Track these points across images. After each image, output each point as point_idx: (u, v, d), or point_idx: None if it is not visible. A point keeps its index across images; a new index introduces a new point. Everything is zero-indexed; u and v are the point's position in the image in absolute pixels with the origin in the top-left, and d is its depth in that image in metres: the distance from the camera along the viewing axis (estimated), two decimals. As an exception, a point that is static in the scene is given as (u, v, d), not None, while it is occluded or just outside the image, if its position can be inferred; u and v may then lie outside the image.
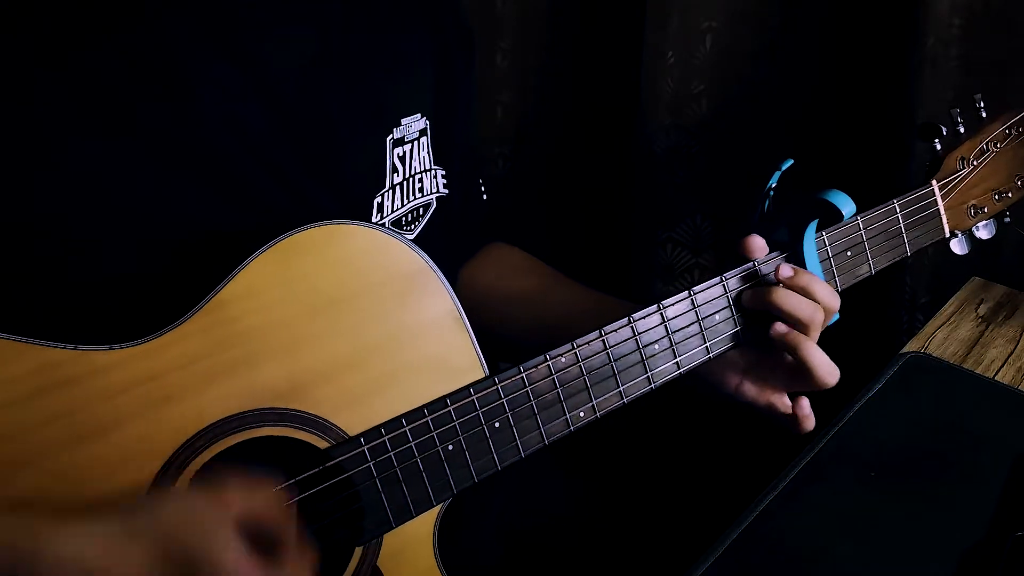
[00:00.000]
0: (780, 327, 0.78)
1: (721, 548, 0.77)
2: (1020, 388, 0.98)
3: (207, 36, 0.68)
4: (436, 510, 0.71)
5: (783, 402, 0.82)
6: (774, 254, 0.80)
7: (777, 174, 0.79)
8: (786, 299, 0.77)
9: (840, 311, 0.83)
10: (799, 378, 0.79)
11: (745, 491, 0.84)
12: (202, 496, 0.59)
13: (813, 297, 0.78)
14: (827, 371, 0.78)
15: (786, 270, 0.78)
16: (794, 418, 0.81)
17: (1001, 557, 0.75)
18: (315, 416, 0.67)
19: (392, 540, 0.69)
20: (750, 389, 0.83)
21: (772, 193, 0.80)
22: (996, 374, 1.01)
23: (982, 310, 1.13)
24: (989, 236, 0.93)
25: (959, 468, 0.85)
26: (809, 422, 0.81)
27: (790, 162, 0.79)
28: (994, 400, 0.96)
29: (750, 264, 0.79)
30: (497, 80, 1.44)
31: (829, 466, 0.86)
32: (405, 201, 0.81)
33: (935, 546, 0.77)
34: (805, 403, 0.81)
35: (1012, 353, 1.04)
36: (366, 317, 0.68)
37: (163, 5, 0.67)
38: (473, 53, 0.92)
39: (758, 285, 0.80)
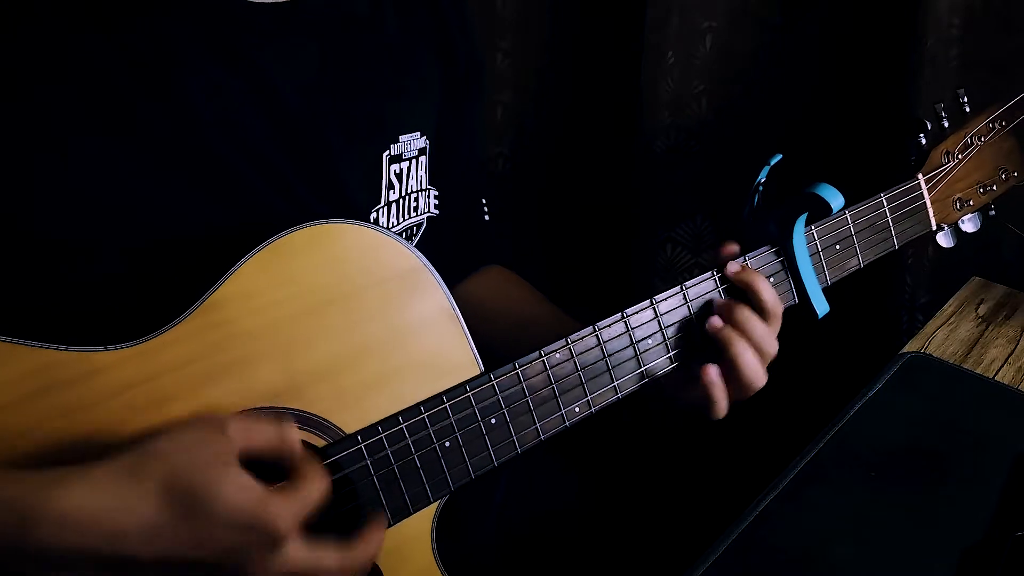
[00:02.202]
0: (716, 321, 0.77)
1: (721, 548, 0.77)
2: (1020, 388, 0.98)
3: (205, 39, 0.69)
4: (434, 507, 0.71)
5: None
6: (763, 248, 0.81)
7: (766, 169, 0.79)
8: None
9: (841, 311, 0.83)
10: (729, 378, 0.78)
11: (745, 491, 0.84)
12: (201, 431, 0.59)
13: (757, 294, 0.77)
14: (753, 372, 0.76)
15: (733, 266, 0.78)
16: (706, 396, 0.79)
17: (1001, 557, 0.75)
18: (312, 415, 0.67)
19: (390, 538, 0.69)
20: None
21: (761, 188, 0.80)
22: (996, 374, 1.01)
23: (982, 310, 1.13)
24: (975, 229, 0.94)
25: (959, 468, 0.85)
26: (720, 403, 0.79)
27: (779, 157, 0.79)
28: (994, 400, 0.96)
29: (741, 259, 0.80)
30: (497, 80, 1.44)
31: (829, 466, 0.86)
32: (401, 219, 0.82)
33: (935, 546, 0.77)
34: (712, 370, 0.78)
35: (1012, 353, 1.04)
36: (361, 316, 0.68)
37: (162, 6, 0.67)
38: (482, 87, 0.93)
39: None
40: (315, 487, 0.61)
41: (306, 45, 0.74)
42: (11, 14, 0.62)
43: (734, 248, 0.79)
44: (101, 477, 0.56)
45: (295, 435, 0.62)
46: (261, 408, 0.65)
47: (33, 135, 0.63)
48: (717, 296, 0.79)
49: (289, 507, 0.59)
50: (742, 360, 0.75)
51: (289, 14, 0.73)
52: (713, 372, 0.76)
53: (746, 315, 0.76)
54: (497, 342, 0.80)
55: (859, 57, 1.24)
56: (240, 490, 0.57)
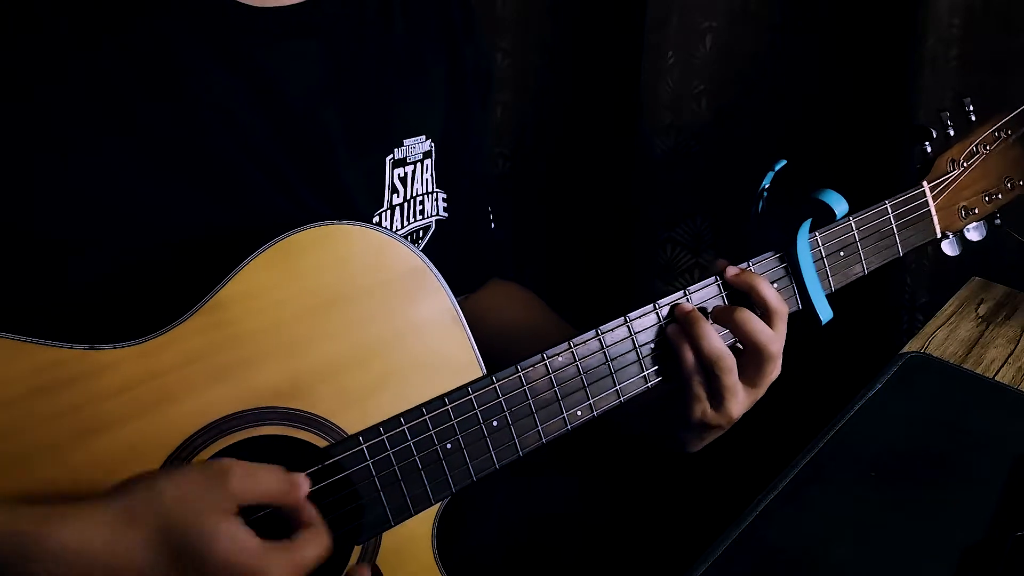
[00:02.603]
0: (685, 305, 0.77)
1: (721, 548, 0.77)
2: (1020, 388, 0.98)
3: (207, 40, 0.69)
4: (435, 509, 0.71)
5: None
6: (768, 254, 0.81)
7: (770, 174, 0.79)
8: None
9: (840, 311, 0.83)
10: (748, 358, 0.77)
11: (745, 491, 0.84)
12: (201, 478, 0.58)
13: (758, 294, 0.77)
14: (718, 352, 0.75)
15: (732, 270, 0.79)
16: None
17: (1001, 557, 0.75)
18: (314, 415, 0.67)
19: (391, 539, 0.70)
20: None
21: (766, 194, 0.80)
22: (996, 374, 1.01)
23: (982, 310, 1.13)
24: (980, 238, 0.94)
25: (959, 468, 0.85)
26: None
27: (783, 162, 0.79)
28: (994, 400, 0.96)
29: (744, 264, 0.80)
30: (497, 80, 1.44)
31: (829, 466, 0.86)
32: (405, 223, 0.82)
33: (935, 546, 0.77)
34: None
35: (1012, 353, 1.04)
36: (365, 316, 0.68)
37: (163, 7, 0.67)
38: (490, 91, 0.92)
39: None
40: (315, 546, 0.60)
41: (311, 48, 0.74)
42: (13, 15, 0.62)
43: (725, 262, 0.80)
44: (99, 516, 0.55)
45: (304, 487, 0.61)
46: (264, 408, 0.65)
47: (35, 135, 0.63)
48: (720, 300, 0.79)
49: (284, 565, 0.58)
50: (706, 343, 0.74)
51: (294, 17, 0.73)
52: (673, 327, 0.76)
53: (745, 315, 0.76)
54: (500, 354, 0.80)
55: (859, 57, 1.24)
56: (235, 544, 0.56)
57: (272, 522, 0.62)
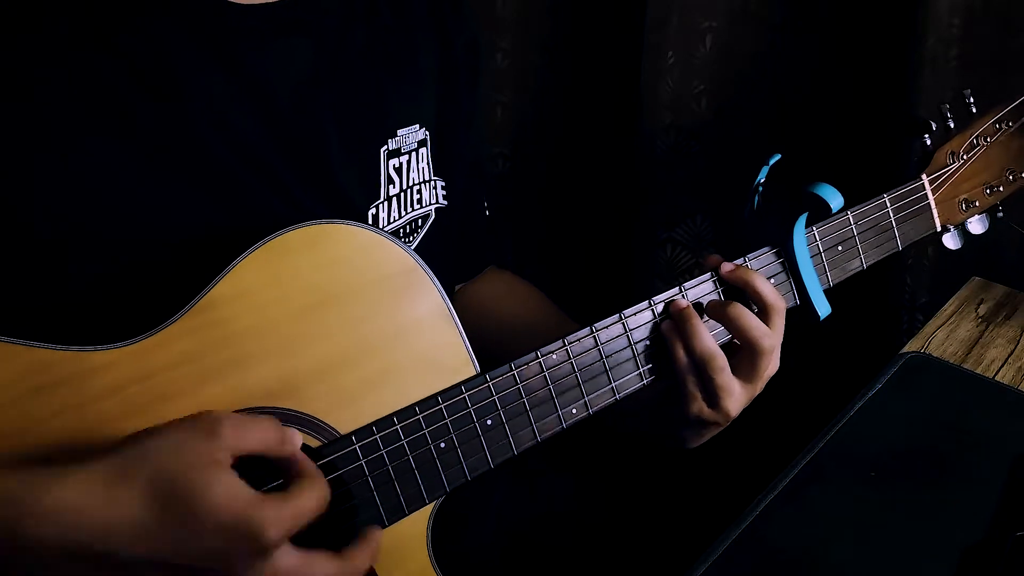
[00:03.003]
0: (724, 266, 0.77)
1: (721, 548, 0.77)
2: (1020, 388, 0.98)
3: (200, 43, 0.69)
4: (429, 509, 0.70)
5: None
6: (764, 249, 0.80)
7: (765, 169, 0.79)
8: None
9: (840, 311, 0.83)
10: (743, 354, 0.77)
11: (745, 491, 0.84)
12: (192, 431, 0.57)
13: (753, 289, 0.77)
14: (710, 351, 0.75)
15: (727, 266, 0.79)
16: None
17: (1001, 557, 0.74)
18: (307, 415, 0.67)
19: (386, 539, 0.69)
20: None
21: (761, 188, 0.80)
22: (996, 374, 1.01)
23: (982, 310, 1.13)
24: (983, 230, 0.94)
25: (959, 468, 0.85)
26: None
27: (777, 157, 0.79)
28: (994, 400, 0.96)
29: (740, 260, 0.80)
30: (497, 80, 1.44)
31: (829, 466, 0.85)
32: (403, 212, 0.82)
33: (935, 546, 0.77)
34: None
35: (1012, 353, 1.04)
36: (357, 316, 0.68)
37: (157, 9, 0.67)
38: (479, 68, 0.92)
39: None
40: (312, 496, 0.59)
41: (300, 44, 0.74)
42: (13, 15, 0.63)
43: (719, 258, 0.80)
44: (93, 474, 0.55)
45: (296, 439, 0.60)
46: (256, 408, 0.65)
47: (33, 136, 0.63)
48: (716, 297, 0.79)
49: (280, 514, 0.57)
50: (697, 341, 0.74)
51: (282, 13, 0.73)
52: (667, 324, 0.76)
53: (738, 311, 0.76)
54: (500, 347, 0.80)
55: (859, 56, 1.24)
56: (226, 493, 0.56)
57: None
